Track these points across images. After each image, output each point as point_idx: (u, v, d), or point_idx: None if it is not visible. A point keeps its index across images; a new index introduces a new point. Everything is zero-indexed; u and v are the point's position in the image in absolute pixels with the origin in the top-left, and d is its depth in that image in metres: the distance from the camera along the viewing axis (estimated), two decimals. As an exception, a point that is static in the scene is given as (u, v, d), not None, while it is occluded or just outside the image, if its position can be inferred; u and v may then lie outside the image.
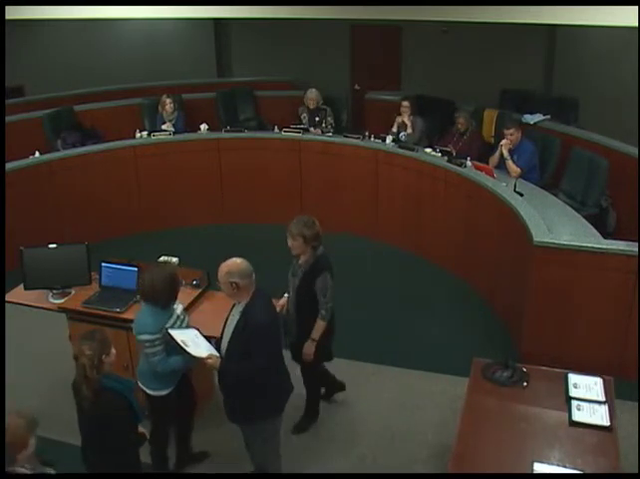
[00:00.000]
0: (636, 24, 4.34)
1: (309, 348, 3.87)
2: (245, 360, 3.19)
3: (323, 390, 4.39)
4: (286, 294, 3.99)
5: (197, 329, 3.52)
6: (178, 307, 3.66)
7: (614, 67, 7.86)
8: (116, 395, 2.98)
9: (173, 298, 3.54)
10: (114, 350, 3.04)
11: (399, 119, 6.96)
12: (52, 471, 2.85)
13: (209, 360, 3.27)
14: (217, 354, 3.31)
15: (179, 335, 3.40)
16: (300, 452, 4.09)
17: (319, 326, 3.83)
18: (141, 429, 3.24)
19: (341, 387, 4.46)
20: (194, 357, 3.34)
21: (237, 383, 3.31)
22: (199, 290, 4.38)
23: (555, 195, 5.66)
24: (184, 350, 3.34)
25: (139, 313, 3.56)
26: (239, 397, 3.37)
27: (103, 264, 4.38)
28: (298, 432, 4.19)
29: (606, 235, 4.91)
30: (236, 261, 3.27)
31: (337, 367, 4.67)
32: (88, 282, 4.38)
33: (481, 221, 5.66)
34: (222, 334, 3.39)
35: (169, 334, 3.38)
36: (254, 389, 3.29)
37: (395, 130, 6.94)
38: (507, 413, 3.17)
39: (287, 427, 4.21)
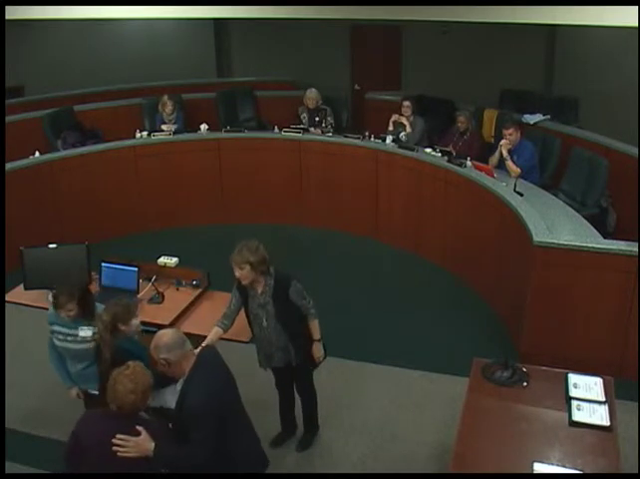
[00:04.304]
0: (636, 24, 4.33)
1: (318, 350, 3.84)
2: (183, 447, 2.82)
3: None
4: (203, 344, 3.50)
5: None
6: (85, 331, 3.57)
7: (614, 67, 7.87)
8: (130, 354, 3.02)
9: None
10: (135, 321, 3.38)
11: (394, 117, 6.97)
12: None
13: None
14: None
15: None
16: (300, 452, 4.09)
17: (315, 326, 3.80)
18: None
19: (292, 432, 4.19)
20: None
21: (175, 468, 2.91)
22: (199, 290, 4.38)
23: (555, 195, 5.65)
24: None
25: None
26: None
27: (103, 264, 4.39)
28: (303, 449, 4.10)
29: (606, 235, 4.91)
30: (161, 333, 2.96)
31: (337, 367, 4.67)
32: (88, 282, 4.38)
33: (482, 220, 5.66)
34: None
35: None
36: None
37: (391, 128, 6.94)
38: (507, 413, 3.16)
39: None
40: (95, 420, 2.81)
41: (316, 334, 3.82)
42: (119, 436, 2.66)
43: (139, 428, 2.69)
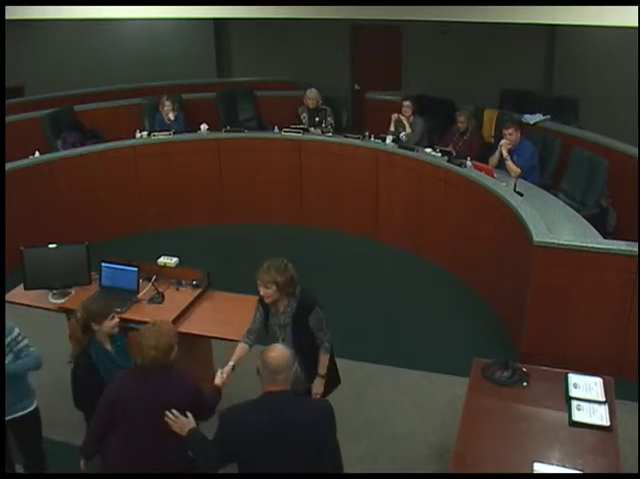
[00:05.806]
0: (636, 24, 4.33)
1: (319, 386, 3.59)
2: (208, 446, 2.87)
3: None
4: (231, 362, 3.50)
5: None
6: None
7: (614, 67, 7.87)
8: (89, 364, 3.22)
9: None
10: (108, 322, 3.34)
11: (394, 116, 6.97)
12: None
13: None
14: None
15: None
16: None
17: (324, 361, 3.60)
18: None
19: None
20: None
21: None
22: (199, 291, 4.37)
23: (555, 195, 5.66)
24: None
25: None
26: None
27: (103, 264, 4.38)
28: None
29: (606, 235, 4.92)
30: (273, 348, 2.82)
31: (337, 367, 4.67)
32: (88, 282, 4.38)
33: (481, 220, 5.66)
34: None
35: None
36: None
37: (392, 129, 6.94)
38: (507, 413, 3.16)
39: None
40: (127, 375, 3.03)
41: (322, 369, 3.60)
42: (173, 411, 2.88)
43: (188, 414, 2.91)
